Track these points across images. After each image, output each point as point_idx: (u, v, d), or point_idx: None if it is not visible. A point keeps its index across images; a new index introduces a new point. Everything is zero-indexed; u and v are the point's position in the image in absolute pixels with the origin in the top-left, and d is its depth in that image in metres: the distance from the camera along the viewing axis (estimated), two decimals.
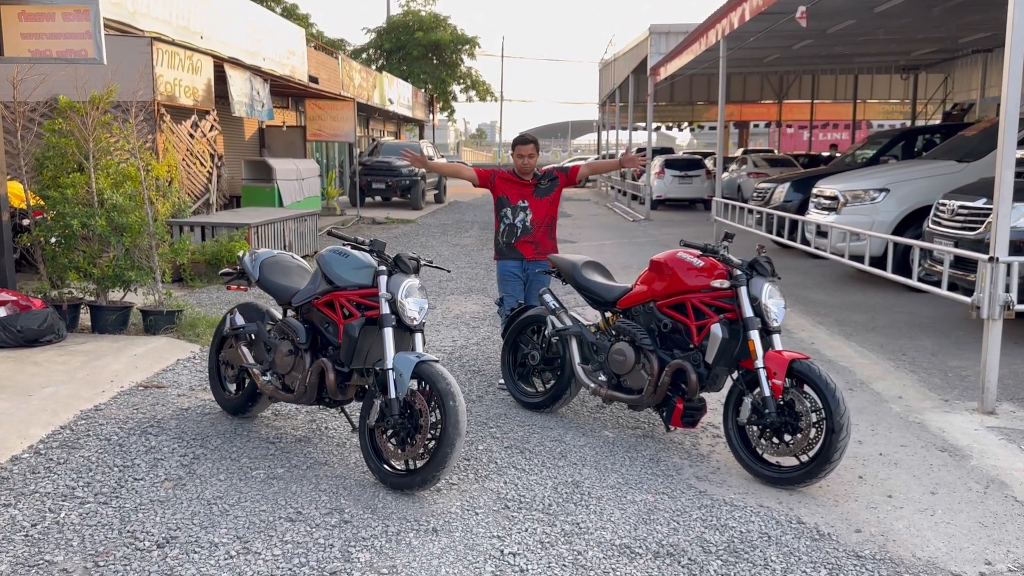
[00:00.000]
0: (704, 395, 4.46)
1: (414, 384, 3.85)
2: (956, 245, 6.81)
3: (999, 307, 4.98)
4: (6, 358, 5.81)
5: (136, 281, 6.85)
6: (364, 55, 36.69)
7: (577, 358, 4.85)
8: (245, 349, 4.72)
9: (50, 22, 6.85)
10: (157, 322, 6.76)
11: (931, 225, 7.67)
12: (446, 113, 39.53)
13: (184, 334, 6.73)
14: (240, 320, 4.81)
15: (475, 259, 12.08)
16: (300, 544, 3.38)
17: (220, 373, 4.95)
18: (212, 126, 12.30)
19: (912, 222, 9.09)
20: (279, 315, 4.68)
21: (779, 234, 10.50)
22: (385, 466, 3.93)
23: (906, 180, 9.52)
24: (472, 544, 3.41)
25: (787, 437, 3.99)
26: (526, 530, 3.54)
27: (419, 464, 3.85)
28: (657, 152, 24.78)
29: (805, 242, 10.18)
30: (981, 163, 8.80)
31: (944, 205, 7.55)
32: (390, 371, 3.84)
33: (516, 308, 5.43)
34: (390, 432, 3.88)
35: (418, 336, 4.05)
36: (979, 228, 6.82)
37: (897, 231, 9.03)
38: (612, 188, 27.49)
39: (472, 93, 39.02)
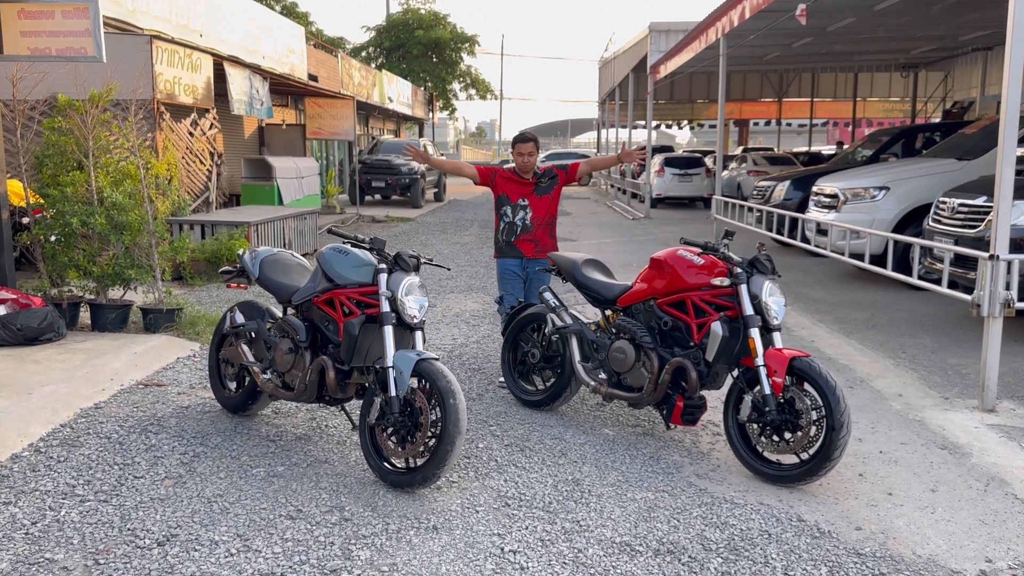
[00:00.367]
0: (704, 393, 4.45)
1: (414, 382, 3.85)
2: (956, 243, 6.81)
3: (999, 305, 4.98)
4: (6, 356, 5.81)
5: (136, 279, 6.85)
6: (364, 53, 36.66)
7: (577, 356, 4.85)
8: (245, 347, 4.72)
9: (49, 20, 6.85)
10: (157, 320, 6.76)
11: (931, 223, 7.67)
12: (447, 111, 39.52)
13: (184, 332, 6.73)
14: (240, 318, 4.81)
15: (475, 257, 12.08)
16: (300, 542, 3.38)
17: (220, 371, 4.95)
18: (212, 124, 12.29)
19: (912, 220, 9.09)
20: (279, 313, 4.68)
21: (779, 232, 10.50)
22: (385, 464, 3.93)
23: (906, 178, 9.52)
24: (472, 542, 3.41)
25: (787, 435, 3.99)
26: (526, 528, 3.54)
27: (419, 462, 3.85)
28: (657, 150, 24.76)
29: (805, 240, 10.17)
30: (981, 161, 8.80)
31: (944, 203, 7.54)
32: (390, 369, 3.84)
33: (516, 306, 5.43)
34: (390, 430, 3.88)
35: (418, 334, 4.05)
36: (979, 226, 6.81)
37: (897, 229, 9.02)
38: (612, 186, 27.49)
39: (472, 91, 39.00)
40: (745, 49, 15.91)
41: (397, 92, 27.51)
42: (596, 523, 3.59)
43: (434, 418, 3.78)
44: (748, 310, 4.10)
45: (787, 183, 12.84)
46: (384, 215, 18.67)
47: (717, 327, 4.17)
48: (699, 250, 4.39)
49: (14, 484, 3.88)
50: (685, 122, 40.11)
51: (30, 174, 7.26)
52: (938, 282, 6.25)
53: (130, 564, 3.18)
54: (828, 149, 30.88)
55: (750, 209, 12.04)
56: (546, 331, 5.11)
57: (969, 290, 5.38)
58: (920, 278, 6.78)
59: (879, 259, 7.80)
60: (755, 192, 14.01)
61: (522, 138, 5.63)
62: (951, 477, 4.13)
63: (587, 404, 5.24)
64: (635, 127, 27.15)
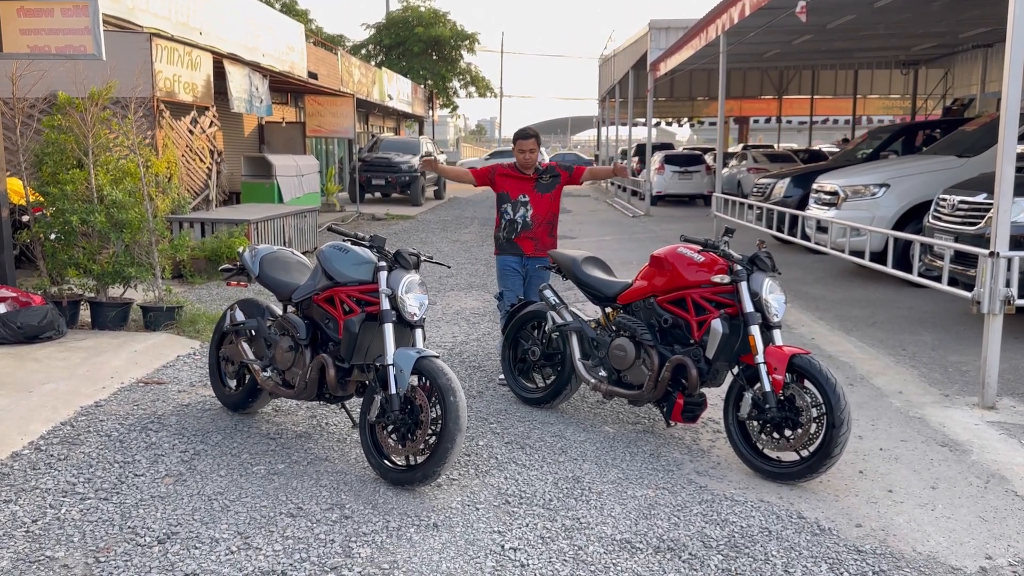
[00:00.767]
0: (704, 390, 4.45)
1: (414, 380, 3.85)
2: (956, 240, 6.81)
3: (999, 302, 4.98)
4: (6, 354, 5.81)
5: (136, 277, 6.85)
6: (363, 51, 36.59)
7: (577, 354, 4.85)
8: (245, 345, 4.72)
9: (49, 18, 6.84)
10: (157, 318, 6.76)
11: (931, 220, 7.67)
12: (449, 108, 39.48)
13: (184, 330, 6.73)
14: (240, 316, 4.81)
15: (475, 255, 12.07)
16: (301, 540, 3.38)
17: (220, 369, 4.95)
18: (211, 122, 12.28)
19: (912, 217, 9.09)
20: (279, 311, 4.67)
21: (779, 229, 10.49)
22: (386, 462, 3.93)
23: (906, 175, 9.52)
24: (473, 539, 3.41)
25: (787, 432, 3.99)
26: (527, 525, 3.54)
27: (420, 460, 3.85)
28: (657, 148, 24.74)
29: (805, 237, 10.17)
30: (981, 158, 8.79)
31: (944, 200, 7.54)
32: (390, 367, 3.84)
33: (516, 303, 5.43)
34: (391, 428, 3.88)
35: (418, 332, 4.05)
36: (979, 223, 6.81)
37: (897, 226, 9.03)
38: (612, 184, 27.47)
39: (472, 89, 38.95)
40: (745, 46, 15.91)
41: (397, 90, 27.48)
42: (596, 520, 3.59)
43: (434, 416, 3.78)
44: (748, 307, 4.10)
45: (787, 180, 12.84)
46: (384, 213, 18.67)
47: (717, 324, 4.17)
48: (699, 247, 4.39)
49: (14, 482, 3.88)
50: (685, 119, 40.11)
51: (30, 172, 7.25)
52: (938, 279, 6.25)
53: (131, 562, 3.18)
54: (827, 147, 30.83)
55: (750, 206, 12.03)
56: (546, 329, 5.11)
57: (969, 287, 5.38)
58: (920, 275, 6.78)
59: (879, 256, 7.80)
60: (755, 189, 14.01)
61: (523, 134, 5.62)
62: (951, 474, 4.13)
63: (587, 402, 5.24)
64: (635, 124, 27.12)
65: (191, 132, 11.59)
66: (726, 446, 4.37)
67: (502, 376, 5.48)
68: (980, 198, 6.94)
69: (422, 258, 4.23)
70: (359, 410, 4.12)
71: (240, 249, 5.05)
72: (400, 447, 3.87)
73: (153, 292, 6.97)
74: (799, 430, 3.94)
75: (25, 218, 7.18)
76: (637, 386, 4.54)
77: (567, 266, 5.12)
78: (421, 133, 33.48)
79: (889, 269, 7.26)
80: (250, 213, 10.75)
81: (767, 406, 3.98)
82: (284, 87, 17.98)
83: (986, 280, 4.99)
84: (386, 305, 3.95)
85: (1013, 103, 4.82)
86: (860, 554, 3.33)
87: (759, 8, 10.35)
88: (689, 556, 3.30)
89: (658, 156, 22.58)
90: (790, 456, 4.04)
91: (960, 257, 6.32)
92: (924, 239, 7.03)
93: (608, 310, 4.89)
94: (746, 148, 26.09)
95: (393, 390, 3.82)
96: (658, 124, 37.73)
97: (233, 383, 4.93)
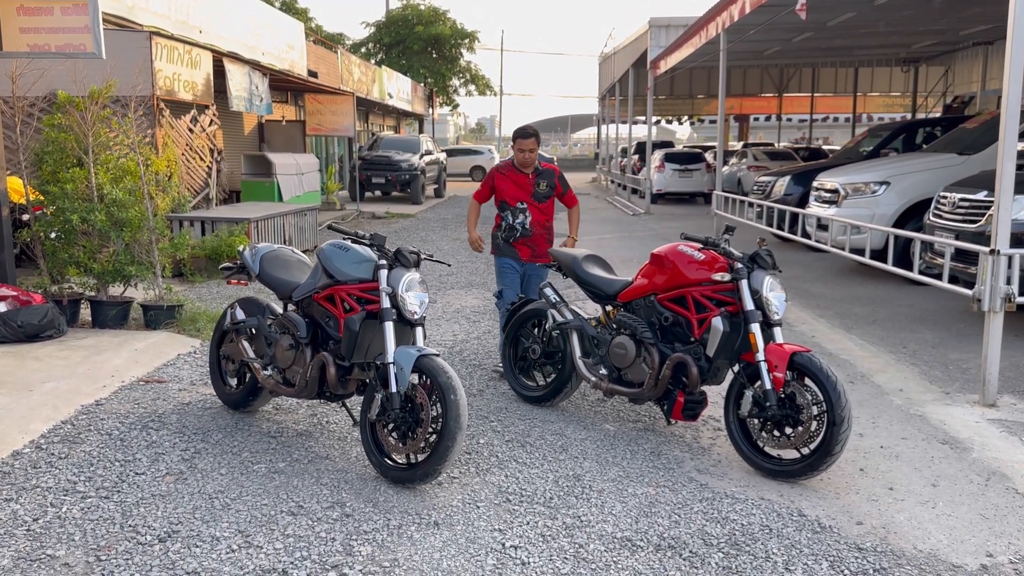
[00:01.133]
0: (705, 388, 4.45)
1: (415, 378, 3.85)
2: (957, 238, 6.80)
3: (1000, 300, 4.98)
4: (7, 353, 5.81)
5: (136, 276, 6.85)
6: (363, 49, 36.57)
7: (578, 352, 4.85)
8: (246, 343, 4.72)
9: (49, 16, 6.84)
10: (157, 317, 6.76)
11: (932, 218, 7.66)
12: (450, 106, 39.48)
13: (184, 329, 6.73)
14: (241, 314, 4.81)
15: (475, 253, 12.02)
16: (302, 538, 3.38)
17: (221, 367, 4.95)
18: (211, 121, 12.28)
19: (913, 215, 9.08)
20: (279, 309, 4.68)
21: (780, 227, 10.48)
22: (386, 460, 3.94)
23: (907, 173, 9.51)
24: (473, 537, 3.41)
25: (788, 430, 3.99)
26: (527, 523, 3.54)
27: (420, 458, 3.85)
28: (657, 146, 24.73)
29: (806, 235, 10.15)
30: (982, 156, 8.79)
31: (945, 198, 7.53)
32: (391, 365, 3.84)
33: (516, 301, 5.43)
34: (391, 426, 3.88)
35: (419, 330, 4.05)
36: (980, 221, 6.80)
37: (898, 224, 9.02)
38: (612, 182, 27.46)
39: (472, 87, 38.94)
40: (745, 44, 15.88)
41: (397, 88, 27.46)
42: (597, 518, 3.59)
43: (435, 414, 3.78)
44: (749, 305, 4.10)
45: (787, 178, 12.83)
46: (384, 211, 18.66)
47: (718, 322, 4.17)
48: (700, 245, 4.39)
49: (15, 481, 3.88)
50: (685, 118, 40.09)
51: (30, 171, 7.25)
52: (939, 277, 6.24)
53: (131, 560, 3.18)
54: (826, 145, 30.82)
55: (751, 204, 12.02)
56: (547, 327, 5.11)
57: (970, 285, 5.37)
58: (921, 273, 6.77)
59: (880, 254, 7.79)
60: (755, 187, 14.00)
61: (523, 133, 5.61)
62: (952, 472, 4.13)
63: (588, 400, 5.24)
64: (635, 123, 27.10)
65: (191, 131, 11.59)
66: (727, 444, 4.37)
67: (498, 365, 5.46)
68: (981, 196, 6.94)
69: (422, 256, 4.22)
70: (360, 408, 4.12)
71: (240, 248, 5.05)
72: (401, 445, 3.87)
73: (153, 291, 6.97)
74: (800, 428, 3.94)
75: (25, 217, 7.18)
76: (638, 384, 4.54)
77: (567, 264, 5.12)
78: (421, 131, 33.47)
79: (890, 267, 7.25)
80: (250, 212, 10.75)
81: (768, 404, 3.98)
82: (284, 85, 17.97)
83: (987, 278, 4.99)
84: (386, 303, 3.95)
85: (1014, 101, 4.81)
86: (861, 552, 3.34)
87: (759, 6, 10.33)
88: (690, 554, 3.30)
89: (658, 154, 22.57)
90: (791, 454, 4.04)
91: (961, 255, 6.32)
92: (925, 237, 7.03)
93: (608, 308, 4.89)
94: (746, 146, 26.09)
95: (394, 388, 3.82)
96: (658, 122, 37.74)
97: (234, 381, 4.93)
